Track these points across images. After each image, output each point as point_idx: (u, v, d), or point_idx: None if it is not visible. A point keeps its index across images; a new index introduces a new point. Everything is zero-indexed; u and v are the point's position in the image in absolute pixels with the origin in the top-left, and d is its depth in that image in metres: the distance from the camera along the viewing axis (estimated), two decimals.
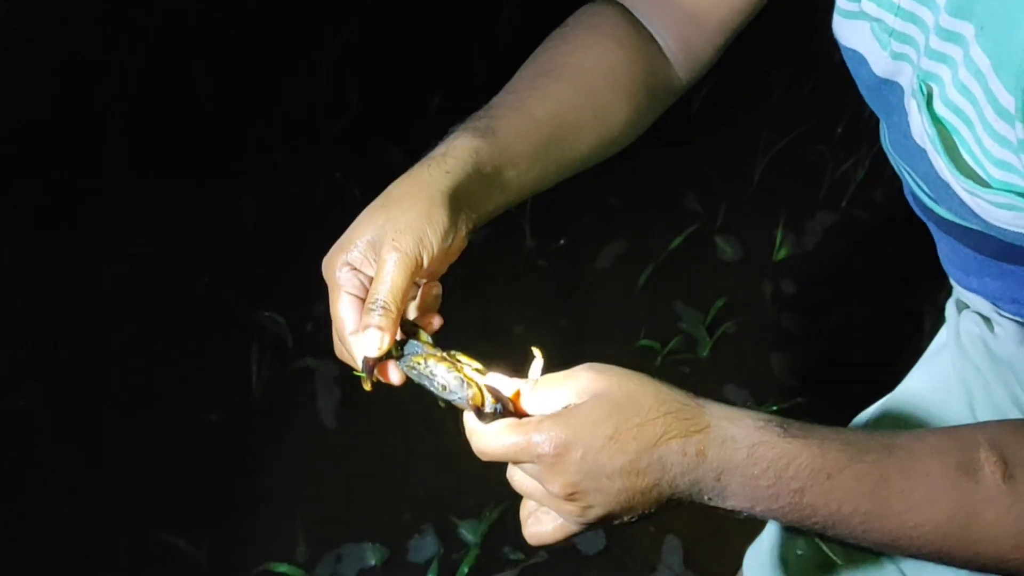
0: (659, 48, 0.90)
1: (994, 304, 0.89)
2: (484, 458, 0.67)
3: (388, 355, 0.72)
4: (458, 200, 0.74)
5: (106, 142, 2.07)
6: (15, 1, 2.22)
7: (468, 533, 1.64)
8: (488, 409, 0.66)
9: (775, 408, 1.88)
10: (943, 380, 0.97)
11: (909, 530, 0.63)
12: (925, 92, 0.67)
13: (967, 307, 0.95)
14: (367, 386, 0.73)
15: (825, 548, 1.01)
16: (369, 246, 0.72)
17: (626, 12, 0.91)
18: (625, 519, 0.65)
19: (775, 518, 0.64)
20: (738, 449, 0.62)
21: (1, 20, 2.23)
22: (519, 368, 0.69)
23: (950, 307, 0.99)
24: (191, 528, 1.57)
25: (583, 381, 0.65)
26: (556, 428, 0.62)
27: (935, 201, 0.76)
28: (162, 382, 1.77)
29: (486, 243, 2.06)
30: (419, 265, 0.71)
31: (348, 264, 0.73)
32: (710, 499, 0.63)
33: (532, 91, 0.84)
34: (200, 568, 1.55)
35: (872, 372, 1.94)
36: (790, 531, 1.06)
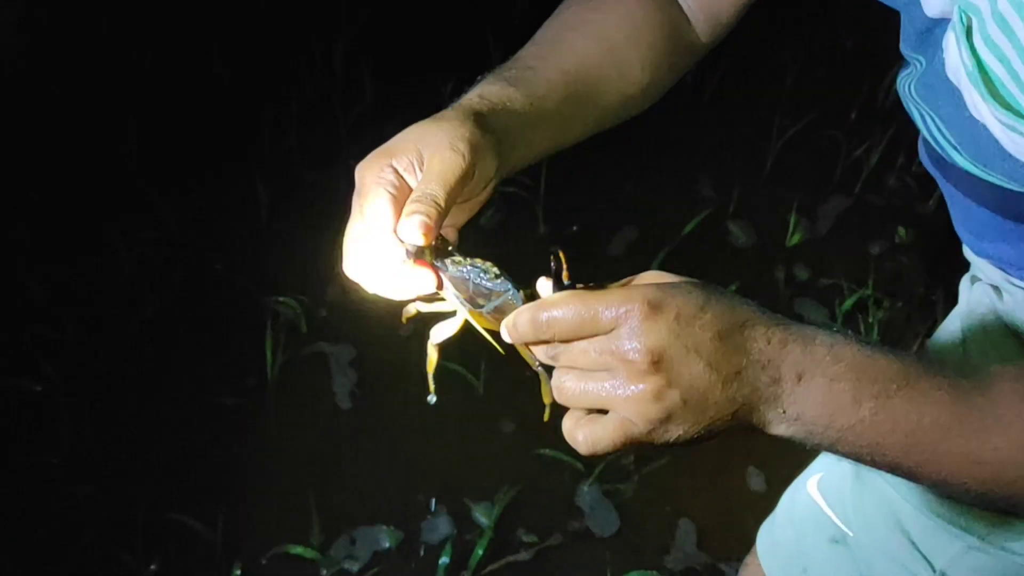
0: (680, 8, 0.90)
1: (1004, 271, 0.89)
2: (553, 329, 0.62)
3: (423, 257, 0.68)
4: (495, 138, 0.72)
5: (123, 128, 2.08)
6: None
7: (482, 516, 1.64)
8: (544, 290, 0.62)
9: None
10: (953, 348, 0.97)
11: (989, 453, 0.61)
12: (965, 23, 0.66)
13: (980, 280, 0.95)
14: (397, 289, 0.69)
15: (837, 520, 1.01)
16: (417, 155, 0.70)
17: None
18: (693, 429, 0.60)
19: (849, 443, 0.61)
20: (819, 346, 0.61)
21: (24, 13, 2.24)
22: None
23: (964, 282, 0.99)
24: (207, 510, 1.59)
25: (655, 277, 0.64)
26: (649, 288, 0.60)
27: (957, 148, 0.75)
28: (178, 367, 1.78)
29: (499, 229, 2.06)
30: (470, 176, 0.69)
31: (392, 168, 0.70)
32: (785, 411, 0.61)
33: (557, 44, 0.84)
34: (215, 549, 1.57)
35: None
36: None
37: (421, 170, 0.70)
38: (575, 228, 2.10)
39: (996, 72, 0.64)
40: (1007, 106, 0.64)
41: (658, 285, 0.61)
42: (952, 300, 1.01)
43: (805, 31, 2.46)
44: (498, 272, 0.65)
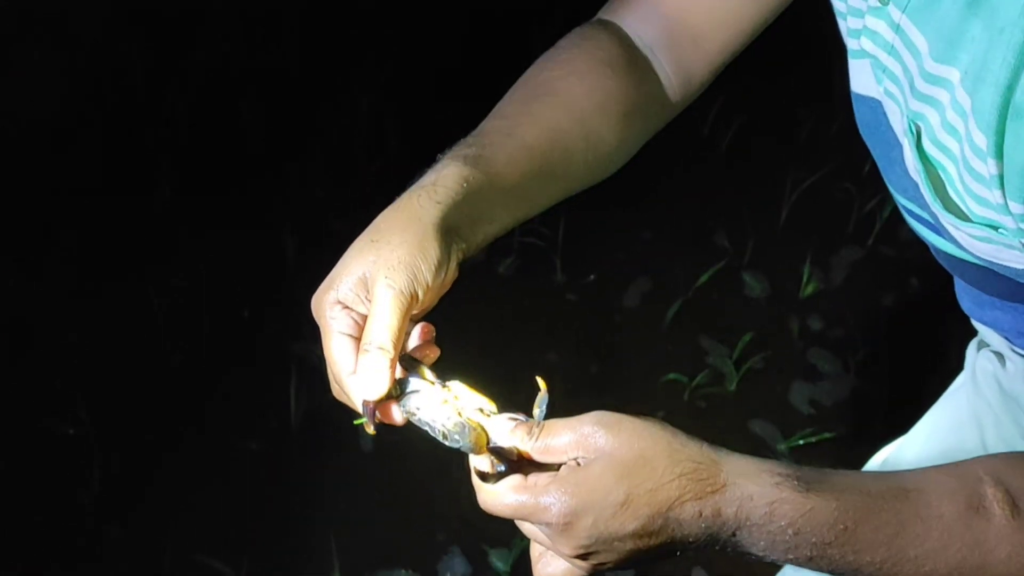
0: (653, 71, 0.90)
1: (1006, 338, 0.91)
2: (491, 513, 0.66)
3: (388, 396, 0.69)
4: (449, 232, 0.72)
5: (155, 177, 2.16)
6: (72, 48, 2.33)
7: (498, 561, 1.68)
8: (490, 468, 0.66)
9: (801, 442, 1.91)
10: (958, 418, 1.00)
11: (924, 574, 0.65)
12: (914, 131, 0.70)
13: (987, 346, 0.98)
14: (370, 430, 0.70)
15: None
16: (360, 283, 0.70)
17: (620, 34, 0.90)
18: (631, 564, 0.66)
19: (788, 563, 0.66)
20: (756, 508, 0.63)
21: (61, 63, 2.33)
22: (534, 407, 0.69)
23: (971, 347, 1.02)
24: (231, 552, 1.63)
25: (592, 436, 0.64)
26: (565, 494, 0.62)
27: (937, 233, 0.80)
28: (204, 411, 1.84)
29: (516, 276, 2.12)
30: (415, 302, 0.69)
31: (339, 303, 0.71)
32: (724, 549, 0.64)
33: (524, 116, 0.82)
34: None
35: (898, 408, 1.96)
36: None
37: (368, 299, 0.70)
38: (592, 277, 2.15)
39: (947, 170, 0.68)
40: (953, 210, 0.69)
41: (576, 487, 0.63)
42: (962, 353, 1.04)
43: (819, 87, 2.51)
44: (451, 428, 0.67)
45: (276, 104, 2.31)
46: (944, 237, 0.74)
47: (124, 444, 1.77)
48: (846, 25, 0.78)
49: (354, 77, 2.38)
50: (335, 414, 0.77)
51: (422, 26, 2.48)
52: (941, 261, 0.82)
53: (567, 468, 0.65)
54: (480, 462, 0.67)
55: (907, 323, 2.12)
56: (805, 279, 2.19)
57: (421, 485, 1.77)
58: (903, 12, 0.68)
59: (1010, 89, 0.60)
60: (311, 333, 2.12)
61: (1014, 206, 0.63)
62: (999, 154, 0.62)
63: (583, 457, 0.64)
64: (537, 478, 0.64)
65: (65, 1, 2.37)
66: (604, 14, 0.92)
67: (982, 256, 0.71)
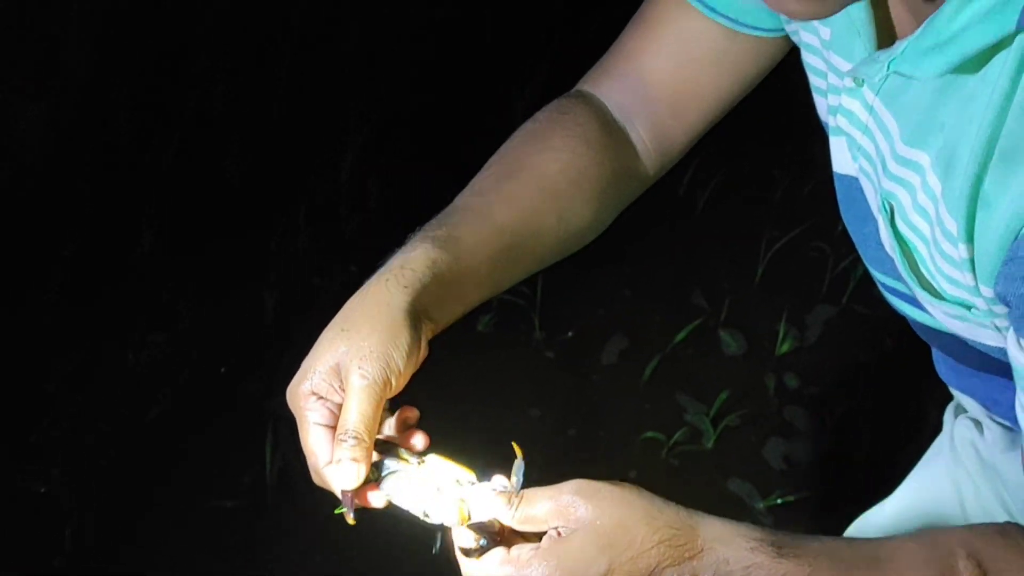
0: (630, 142, 0.91)
1: (984, 406, 0.93)
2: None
3: (365, 481, 0.70)
4: (418, 315, 0.73)
5: (136, 230, 2.16)
6: (55, 100, 2.35)
7: None
8: (472, 544, 0.68)
9: (779, 501, 1.92)
10: (937, 485, 1.01)
11: None
12: (888, 209, 0.72)
13: (964, 412, 0.99)
14: (350, 519, 0.72)
15: None
16: (332, 373, 0.71)
17: (599, 106, 0.91)
18: None
19: None
20: (732, 572, 0.65)
21: (44, 114, 2.35)
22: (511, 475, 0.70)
23: (948, 412, 1.03)
24: None
25: (572, 506, 0.66)
26: (549, 567, 0.64)
27: (913, 306, 0.81)
28: (180, 468, 1.83)
29: (496, 333, 2.12)
30: (388, 388, 0.70)
31: (313, 394, 0.72)
32: None
33: (497, 195, 0.83)
34: None
35: (875, 466, 1.99)
36: None
37: (342, 388, 0.71)
38: (570, 334, 2.16)
39: (919, 250, 0.70)
40: (927, 287, 0.71)
41: (558, 559, 0.64)
42: (939, 412, 1.05)
43: (793, 148, 2.56)
44: (432, 505, 0.70)
45: (259, 160, 2.33)
46: (920, 309, 0.76)
47: (98, 501, 1.75)
48: (825, 102, 0.80)
49: (336, 135, 2.40)
50: (309, 472, 0.78)
51: (406, 85, 2.52)
52: (917, 331, 0.84)
53: (548, 539, 0.66)
54: (462, 536, 0.68)
55: (883, 380, 2.14)
56: (781, 337, 2.21)
57: (400, 547, 1.76)
58: (876, 94, 0.70)
59: (979, 179, 0.62)
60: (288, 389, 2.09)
61: (985, 290, 0.65)
62: (970, 239, 0.64)
63: (563, 527, 0.66)
64: (520, 551, 0.66)
65: (49, 52, 2.40)
66: (583, 84, 0.94)
67: (957, 332, 0.73)
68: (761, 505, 1.92)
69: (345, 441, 0.69)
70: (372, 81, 2.53)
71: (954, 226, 0.65)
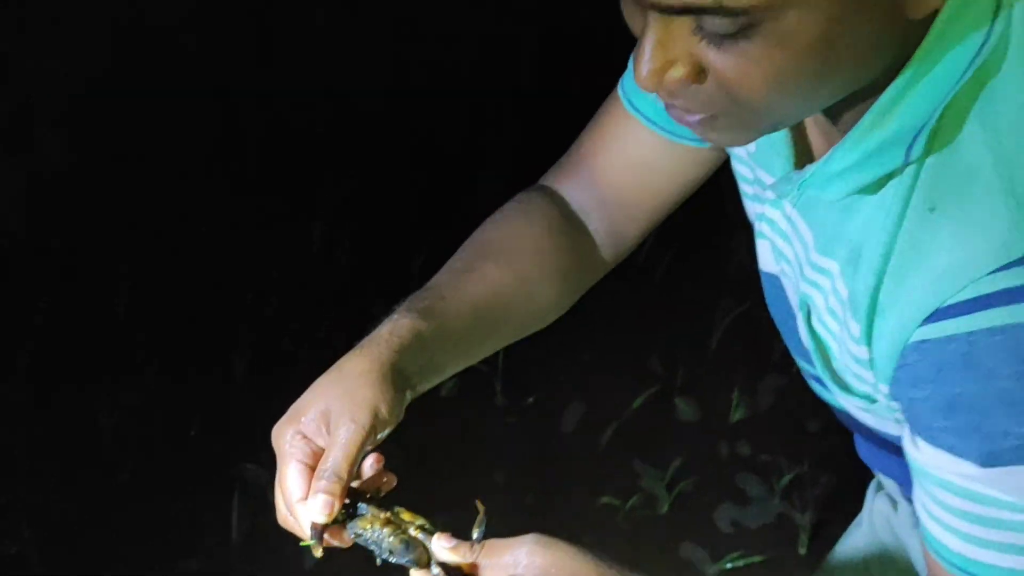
0: (588, 233, 0.99)
1: (899, 484, 1.00)
2: None
3: (335, 520, 0.75)
4: (403, 379, 0.80)
5: (110, 293, 2.22)
6: (37, 165, 2.42)
7: None
8: (434, 573, 0.73)
9: (729, 566, 1.99)
10: (857, 558, 1.08)
11: None
12: (805, 309, 0.80)
13: (883, 488, 1.07)
14: (317, 553, 0.76)
15: None
16: (322, 417, 0.77)
17: (559, 199, 1.00)
18: None
19: None
20: None
21: (26, 170, 2.41)
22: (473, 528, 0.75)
23: (872, 487, 1.09)
24: None
25: (532, 554, 0.72)
26: None
27: (831, 393, 0.89)
28: (148, 529, 1.86)
29: (459, 399, 2.19)
30: (373, 437, 0.77)
31: (300, 433, 0.77)
32: None
33: (471, 274, 0.91)
34: None
35: (822, 531, 2.06)
36: None
37: (329, 432, 0.77)
38: (531, 400, 2.23)
39: (831, 348, 0.79)
40: (838, 382, 0.79)
41: None
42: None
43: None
44: (393, 549, 0.75)
45: (232, 225, 2.40)
46: (835, 398, 0.85)
47: (67, 563, 1.79)
48: (752, 207, 0.89)
49: (308, 203, 2.48)
50: (276, 534, 0.83)
51: (377, 159, 2.61)
52: (837, 415, 0.92)
53: None
54: None
55: (828, 448, 2.22)
56: (734, 404, 2.29)
57: None
58: (794, 207, 0.79)
59: (876, 289, 0.70)
60: (256, 453, 2.16)
61: (883, 388, 0.73)
62: (869, 342, 0.71)
63: (520, 574, 0.72)
64: None
65: (32, 127, 2.48)
66: (545, 180, 1.02)
67: (865, 422, 0.81)
68: (712, 569, 1.98)
69: (324, 478, 0.74)
70: (344, 152, 2.62)
71: (857, 329, 0.72)
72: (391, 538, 0.75)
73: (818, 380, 0.87)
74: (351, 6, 2.89)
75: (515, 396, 2.23)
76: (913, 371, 0.68)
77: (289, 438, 0.78)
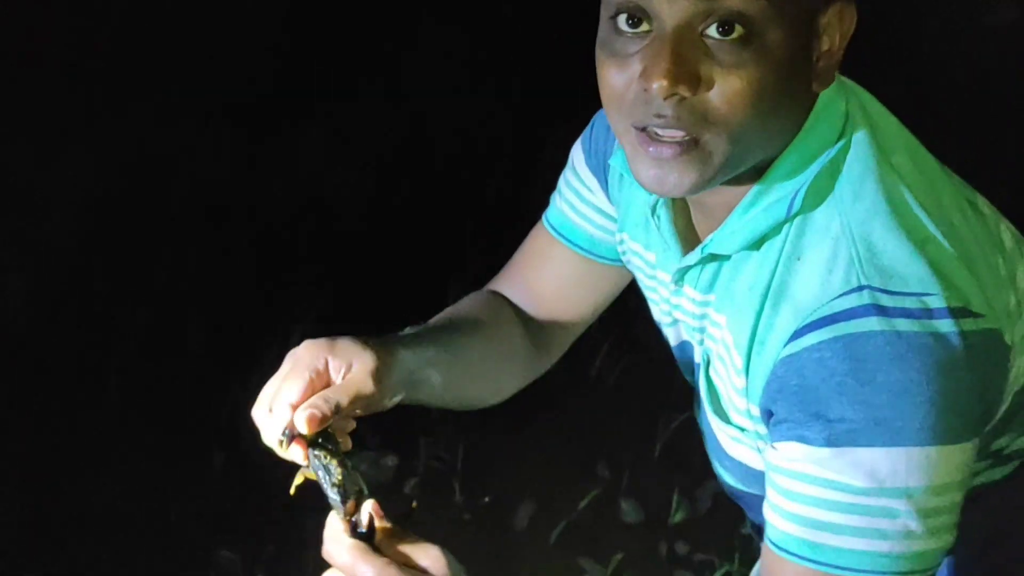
0: (528, 333, 1.17)
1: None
2: (326, 556, 0.82)
3: (307, 439, 0.86)
4: (392, 362, 0.93)
5: (102, 384, 2.40)
6: (32, 271, 2.61)
7: None
8: (361, 520, 0.81)
9: None
10: None
11: None
12: (705, 361, 1.00)
13: None
14: (284, 449, 0.87)
15: None
16: (348, 365, 0.89)
17: (504, 300, 1.18)
18: None
19: None
20: None
21: (19, 281, 2.61)
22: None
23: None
24: None
25: (430, 556, 0.85)
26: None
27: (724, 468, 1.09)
28: None
29: (420, 495, 2.36)
30: (376, 401, 0.91)
31: (327, 361, 0.89)
32: None
33: (443, 330, 1.09)
34: None
35: None
36: None
37: (343, 376, 0.90)
38: (487, 499, 2.41)
39: (718, 391, 0.99)
40: (723, 417, 0.99)
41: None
42: None
43: None
44: (336, 483, 0.84)
45: (218, 331, 2.60)
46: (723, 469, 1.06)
47: None
48: (658, 309, 1.08)
49: (288, 309, 2.69)
50: None
51: (354, 268, 2.83)
52: (710, 451, 1.12)
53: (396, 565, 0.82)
54: (338, 523, 0.83)
55: (757, 548, 2.41)
56: (674, 507, 2.48)
57: None
58: (694, 287, 0.99)
59: (755, 326, 0.91)
60: (236, 541, 2.35)
61: (754, 409, 0.93)
62: (747, 372, 0.92)
63: (419, 564, 0.83)
64: (379, 558, 0.82)
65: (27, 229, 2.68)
66: (490, 286, 1.24)
67: (737, 458, 1.00)
68: None
69: (324, 399, 0.87)
70: (323, 260, 2.85)
71: (740, 362, 0.93)
72: (340, 476, 0.83)
73: (707, 419, 1.06)
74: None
75: (472, 494, 2.41)
76: (779, 382, 0.87)
77: (316, 355, 0.90)
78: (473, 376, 1.11)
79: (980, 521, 0.98)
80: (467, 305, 1.18)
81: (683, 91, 0.83)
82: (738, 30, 0.82)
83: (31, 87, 2.86)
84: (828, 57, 0.89)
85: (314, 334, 2.72)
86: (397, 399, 0.96)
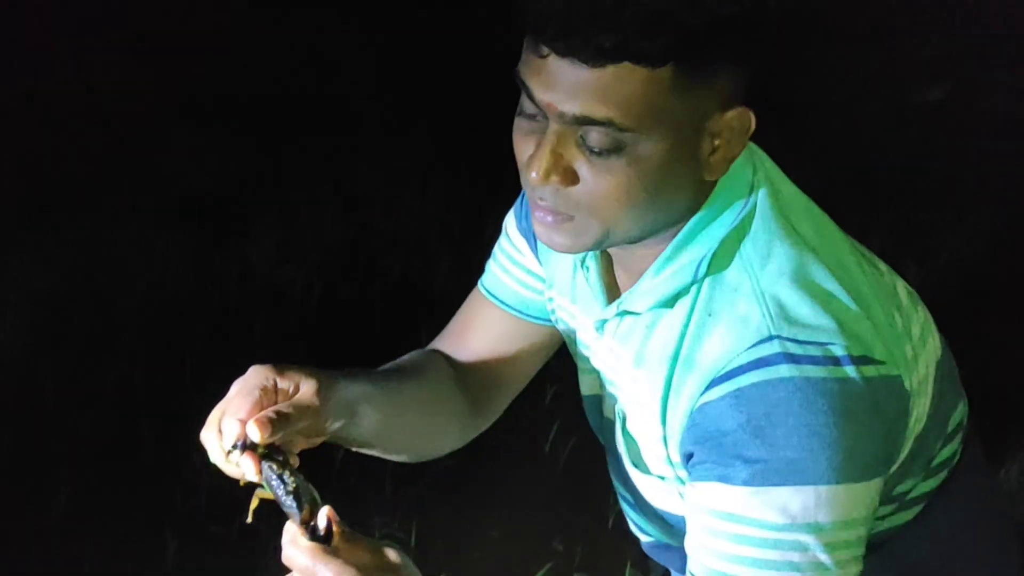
0: (465, 391, 1.22)
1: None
2: (285, 561, 0.86)
3: (256, 450, 0.90)
4: (348, 405, 1.01)
5: (53, 489, 2.40)
6: None
7: None
8: (319, 525, 0.85)
9: None
10: None
11: None
12: (622, 418, 1.06)
13: None
14: (228, 462, 0.92)
15: None
16: (296, 388, 0.96)
17: (445, 359, 1.23)
18: None
19: None
20: None
21: None
22: None
23: None
24: None
25: (388, 555, 0.89)
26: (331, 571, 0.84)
27: (649, 523, 1.15)
28: None
29: None
30: (320, 423, 0.97)
31: (275, 383, 0.95)
32: None
33: (390, 376, 1.15)
34: None
35: None
36: None
37: (290, 396, 0.96)
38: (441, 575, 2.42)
39: (637, 444, 1.06)
40: (643, 468, 1.05)
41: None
42: None
43: None
44: (291, 490, 0.89)
45: (168, 421, 2.62)
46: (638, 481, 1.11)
47: None
48: (580, 353, 1.15)
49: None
50: None
51: (307, 359, 2.88)
52: (632, 511, 1.17)
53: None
54: (295, 529, 0.88)
55: None
56: None
57: None
58: (613, 337, 1.06)
59: (669, 380, 0.98)
60: None
61: (675, 456, 0.99)
62: (664, 422, 0.99)
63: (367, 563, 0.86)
64: (335, 559, 0.86)
65: None
66: (431, 345, 1.30)
67: (658, 505, 1.06)
68: None
69: (274, 411, 0.92)
70: (271, 343, 2.89)
71: (656, 412, 0.99)
72: (294, 483, 0.88)
73: (625, 480, 1.13)
74: None
75: (427, 571, 2.40)
76: (697, 428, 0.94)
77: (265, 378, 0.96)
78: (406, 421, 1.15)
79: (889, 567, 1.06)
80: (407, 358, 1.23)
81: (556, 183, 0.91)
82: (608, 142, 0.89)
83: None
84: (723, 152, 0.94)
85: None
86: (338, 425, 1.01)
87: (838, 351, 0.90)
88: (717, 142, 0.93)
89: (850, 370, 0.90)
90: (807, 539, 0.89)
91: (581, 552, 2.54)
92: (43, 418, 2.67)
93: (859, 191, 4.01)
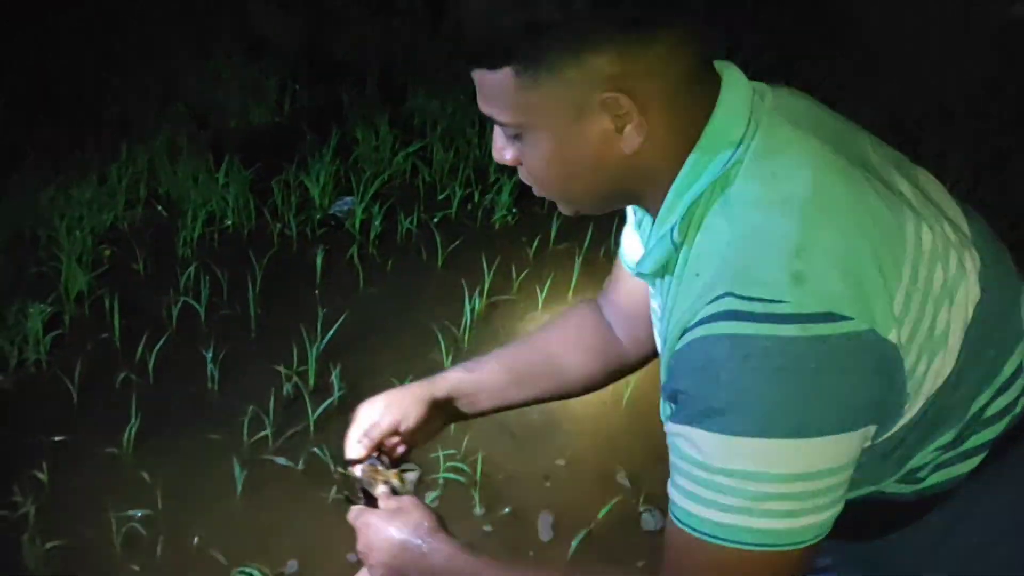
0: (616, 337, 1.37)
1: None
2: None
3: (360, 460, 1.28)
4: (438, 406, 1.31)
5: (126, 417, 2.44)
6: None
7: None
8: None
9: None
10: None
11: None
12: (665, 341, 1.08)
13: None
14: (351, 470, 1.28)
15: None
16: (395, 424, 1.30)
17: (598, 311, 1.39)
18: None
19: None
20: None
21: None
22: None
23: None
24: None
25: (412, 514, 1.19)
26: (372, 528, 1.20)
27: None
28: None
29: (440, 508, 2.33)
30: (394, 429, 1.30)
31: (378, 424, 1.28)
32: None
33: (510, 349, 1.40)
34: None
35: None
36: None
37: (387, 428, 1.30)
38: (507, 510, 2.42)
39: None
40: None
41: (390, 535, 1.20)
42: None
43: None
44: (366, 489, 1.28)
45: (236, 356, 2.64)
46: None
47: None
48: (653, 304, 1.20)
49: (303, 333, 2.73)
50: None
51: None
52: None
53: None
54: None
55: None
56: None
57: None
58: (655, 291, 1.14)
59: (666, 330, 1.01)
60: (254, 556, 2.35)
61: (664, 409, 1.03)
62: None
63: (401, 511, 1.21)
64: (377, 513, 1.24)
65: None
66: (598, 298, 1.42)
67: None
68: None
69: (366, 438, 1.29)
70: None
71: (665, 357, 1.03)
72: (379, 488, 1.25)
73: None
74: None
75: (492, 506, 2.42)
76: (674, 369, 0.97)
77: (370, 418, 1.30)
78: (531, 391, 1.39)
79: (958, 516, 1.07)
80: (531, 332, 1.50)
81: (509, 164, 1.05)
82: (511, 131, 1.01)
83: None
84: (630, 129, 0.96)
85: (325, 356, 2.71)
86: (451, 424, 1.37)
87: (786, 308, 0.90)
88: (612, 122, 0.96)
89: (792, 328, 0.90)
90: (724, 481, 0.93)
91: (646, 489, 2.52)
92: (111, 349, 2.70)
93: (935, 116, 3.89)
